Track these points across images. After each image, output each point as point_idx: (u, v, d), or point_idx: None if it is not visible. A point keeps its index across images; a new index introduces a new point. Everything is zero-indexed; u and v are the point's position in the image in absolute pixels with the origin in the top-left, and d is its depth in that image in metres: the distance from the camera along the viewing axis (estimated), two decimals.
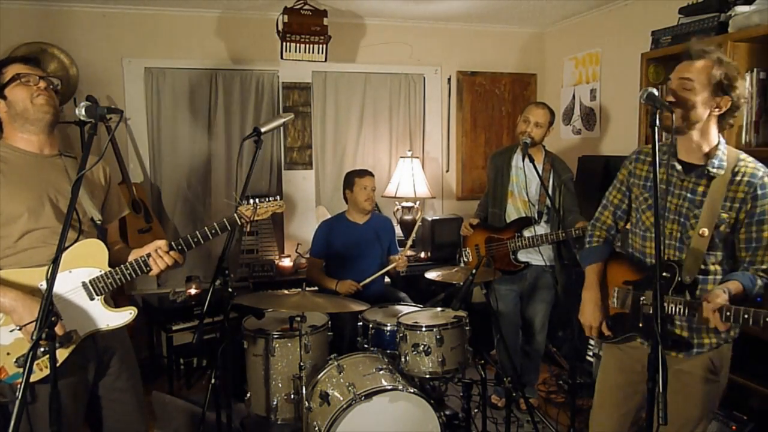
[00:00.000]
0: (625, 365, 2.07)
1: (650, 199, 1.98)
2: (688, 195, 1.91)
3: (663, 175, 1.97)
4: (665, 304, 1.86)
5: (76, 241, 1.68)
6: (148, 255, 1.90)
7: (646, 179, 2.03)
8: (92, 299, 1.86)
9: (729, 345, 1.97)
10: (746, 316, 1.67)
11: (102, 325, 1.87)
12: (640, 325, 1.97)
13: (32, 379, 1.67)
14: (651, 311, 1.85)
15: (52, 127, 1.92)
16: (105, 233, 1.98)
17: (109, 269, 1.88)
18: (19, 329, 1.73)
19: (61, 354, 1.76)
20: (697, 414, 1.95)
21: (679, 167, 1.92)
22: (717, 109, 1.83)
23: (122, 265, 1.89)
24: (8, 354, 1.74)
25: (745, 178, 1.84)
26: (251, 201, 2.05)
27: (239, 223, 2.03)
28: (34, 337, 1.41)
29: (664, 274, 1.90)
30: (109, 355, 1.95)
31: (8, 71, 1.84)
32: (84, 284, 1.85)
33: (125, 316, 1.90)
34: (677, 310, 1.84)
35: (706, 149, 1.88)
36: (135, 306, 1.95)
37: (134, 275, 1.90)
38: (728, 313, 1.69)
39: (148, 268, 1.91)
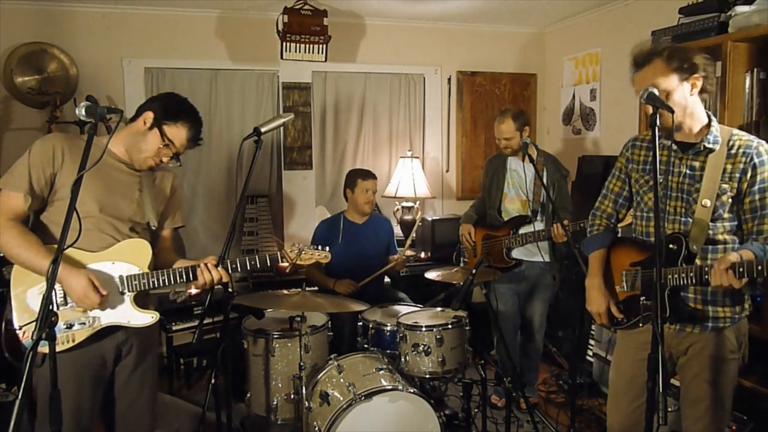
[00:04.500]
0: (639, 356, 2.06)
1: (651, 180, 2.04)
2: (688, 171, 1.97)
3: (662, 156, 2.02)
4: (675, 276, 1.89)
5: (76, 240, 1.69)
6: (197, 265, 2.01)
7: (644, 162, 2.09)
8: (122, 294, 1.94)
9: (745, 320, 2.01)
10: (759, 267, 1.69)
11: (124, 320, 1.94)
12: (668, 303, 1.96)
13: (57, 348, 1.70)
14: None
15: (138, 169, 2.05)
16: (157, 239, 2.10)
17: (147, 271, 1.97)
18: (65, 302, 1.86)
19: (81, 334, 1.88)
20: (725, 394, 1.98)
21: (675, 147, 1.97)
22: (694, 89, 1.90)
23: (160, 270, 1.98)
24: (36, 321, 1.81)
25: (741, 150, 1.91)
26: (296, 245, 2.18)
27: (281, 262, 2.15)
28: (33, 338, 1.41)
29: (670, 246, 1.95)
30: (128, 347, 2.02)
31: (176, 130, 1.97)
32: (120, 278, 1.93)
33: (147, 318, 1.97)
34: (689, 280, 1.87)
35: (698, 128, 1.95)
36: (152, 303, 2.03)
37: (169, 282, 1.99)
38: (741, 269, 1.71)
39: (194, 278, 2.01)
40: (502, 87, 4.83)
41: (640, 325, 2.06)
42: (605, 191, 2.27)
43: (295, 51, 3.87)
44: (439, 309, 3.04)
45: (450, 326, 2.76)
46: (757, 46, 2.62)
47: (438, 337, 2.71)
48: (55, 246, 1.82)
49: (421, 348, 2.71)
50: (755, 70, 2.59)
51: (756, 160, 1.88)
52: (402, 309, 3.15)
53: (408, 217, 4.38)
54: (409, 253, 3.95)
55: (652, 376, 1.56)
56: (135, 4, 3.89)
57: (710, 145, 1.92)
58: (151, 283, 1.96)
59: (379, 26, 4.49)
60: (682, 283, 1.89)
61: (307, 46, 3.87)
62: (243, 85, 4.26)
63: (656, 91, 1.77)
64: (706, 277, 1.80)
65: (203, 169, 4.27)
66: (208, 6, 4.03)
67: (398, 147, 4.68)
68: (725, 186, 1.91)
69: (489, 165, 3.50)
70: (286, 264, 2.14)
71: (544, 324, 3.48)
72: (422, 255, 4.31)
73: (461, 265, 3.59)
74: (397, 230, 4.30)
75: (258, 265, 2.10)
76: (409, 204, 4.40)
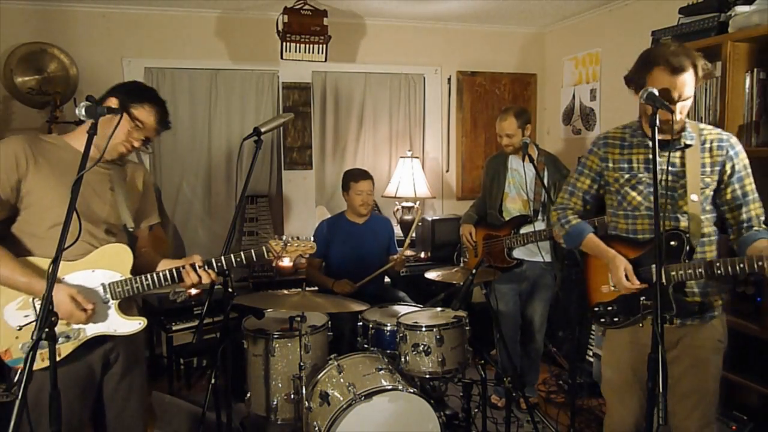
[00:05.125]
0: (636, 353, 2.07)
1: (633, 179, 2.07)
2: (670, 168, 2.00)
3: (641, 155, 2.06)
4: (680, 272, 1.90)
5: (76, 240, 1.68)
6: (182, 267, 1.94)
7: (622, 161, 2.10)
8: (107, 302, 1.88)
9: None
10: None
11: (110, 330, 1.89)
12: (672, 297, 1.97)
13: (36, 366, 1.68)
14: (665, 282, 1.92)
15: (107, 161, 1.96)
16: (135, 240, 2.02)
17: (130, 276, 1.90)
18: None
19: (66, 348, 1.81)
20: (715, 385, 2.02)
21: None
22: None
23: (144, 275, 1.91)
24: (17, 338, 1.79)
25: (714, 143, 2.00)
26: (283, 238, 2.08)
27: (266, 256, 2.06)
28: (34, 337, 1.41)
29: (671, 242, 1.97)
30: (115, 355, 1.96)
31: (144, 111, 1.90)
32: (103, 286, 1.87)
33: (134, 325, 1.92)
34: (697, 274, 1.88)
35: (677, 126, 1.98)
36: (136, 307, 1.98)
37: (154, 286, 1.92)
38: None
39: (179, 280, 1.95)
40: (502, 87, 4.83)
41: (641, 325, 2.06)
42: (571, 188, 2.25)
43: (295, 51, 3.87)
44: (439, 309, 3.04)
45: (450, 326, 2.76)
46: (757, 46, 2.62)
47: (438, 337, 2.71)
48: (29, 258, 1.79)
49: (421, 348, 2.71)
50: (755, 70, 2.59)
51: (731, 152, 1.98)
52: (402, 309, 3.15)
53: (408, 217, 4.38)
54: (408, 252, 3.95)
55: (652, 375, 1.56)
56: (135, 4, 3.89)
57: (688, 141, 1.98)
58: (135, 288, 1.90)
59: (379, 26, 4.49)
60: (687, 278, 1.91)
61: (307, 46, 3.87)
62: (243, 85, 4.26)
63: (656, 92, 1.78)
64: (718, 272, 1.82)
65: (203, 169, 4.27)
66: (208, 6, 4.03)
67: (398, 147, 4.68)
68: (708, 180, 1.98)
69: (490, 164, 3.50)
70: (272, 257, 2.07)
71: (545, 324, 3.48)
72: (422, 255, 4.31)
73: (461, 265, 3.59)
74: (397, 230, 4.30)
75: (244, 262, 2.02)
76: (409, 204, 4.40)
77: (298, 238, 2.11)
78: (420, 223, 4.38)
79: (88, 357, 1.88)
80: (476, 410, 2.97)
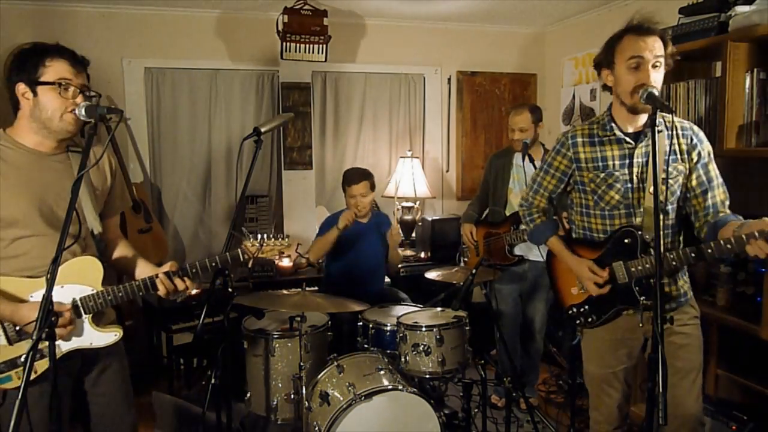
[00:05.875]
0: (616, 345, 2.10)
1: (609, 178, 2.03)
2: (643, 160, 1.99)
3: (616, 151, 2.04)
4: (641, 267, 1.94)
5: (74, 243, 1.67)
6: (156, 276, 1.88)
7: (595, 159, 2.07)
8: (80, 317, 1.81)
9: None
10: None
11: (86, 344, 1.83)
12: (637, 291, 2.00)
13: (11, 386, 1.69)
14: (629, 279, 1.97)
15: (68, 138, 1.84)
16: (104, 246, 1.95)
17: (102, 289, 1.83)
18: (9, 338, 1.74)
19: (42, 365, 1.72)
20: (701, 358, 2.06)
21: (629, 139, 2.00)
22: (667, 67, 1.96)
23: (117, 287, 1.84)
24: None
25: (679, 131, 2.00)
26: (259, 237, 2.00)
27: (242, 259, 1.99)
28: (34, 337, 1.41)
29: (625, 240, 1.99)
30: (93, 354, 1.90)
31: (53, 68, 1.73)
32: (74, 301, 1.80)
33: (110, 337, 1.86)
34: (685, 263, 1.91)
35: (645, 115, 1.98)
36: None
37: (128, 297, 1.85)
38: None
39: (153, 289, 1.89)
40: (502, 87, 4.83)
41: (640, 324, 2.05)
42: (536, 186, 2.26)
43: (295, 51, 3.87)
44: (439, 309, 3.03)
45: (450, 326, 2.76)
46: (757, 46, 2.62)
47: (438, 337, 2.70)
48: None
49: (421, 348, 2.71)
50: (755, 70, 2.58)
51: (696, 140, 1.99)
52: (402, 309, 3.15)
53: (408, 217, 4.38)
54: (408, 253, 3.95)
55: (653, 376, 1.57)
56: (135, 4, 3.89)
57: (660, 127, 1.95)
58: (108, 301, 1.82)
59: (379, 26, 4.49)
60: (648, 272, 1.93)
61: (307, 46, 3.87)
62: (243, 85, 4.26)
63: (656, 92, 1.78)
64: (710, 251, 1.80)
65: (203, 170, 4.27)
66: (208, 6, 4.03)
67: (398, 147, 4.68)
68: (681, 167, 1.97)
69: (494, 160, 3.52)
70: (248, 259, 2.00)
71: (545, 324, 3.49)
72: (422, 255, 4.31)
73: (462, 264, 3.59)
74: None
75: (219, 266, 1.97)
76: (409, 204, 4.40)
77: (274, 237, 2.02)
78: (420, 223, 4.38)
79: (66, 368, 1.81)
80: (476, 410, 2.97)
